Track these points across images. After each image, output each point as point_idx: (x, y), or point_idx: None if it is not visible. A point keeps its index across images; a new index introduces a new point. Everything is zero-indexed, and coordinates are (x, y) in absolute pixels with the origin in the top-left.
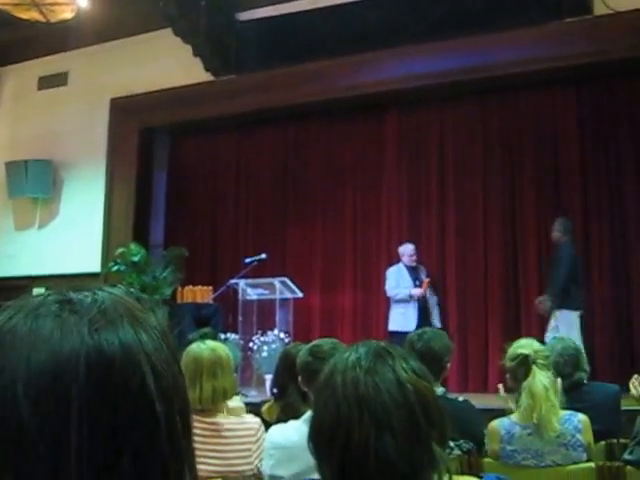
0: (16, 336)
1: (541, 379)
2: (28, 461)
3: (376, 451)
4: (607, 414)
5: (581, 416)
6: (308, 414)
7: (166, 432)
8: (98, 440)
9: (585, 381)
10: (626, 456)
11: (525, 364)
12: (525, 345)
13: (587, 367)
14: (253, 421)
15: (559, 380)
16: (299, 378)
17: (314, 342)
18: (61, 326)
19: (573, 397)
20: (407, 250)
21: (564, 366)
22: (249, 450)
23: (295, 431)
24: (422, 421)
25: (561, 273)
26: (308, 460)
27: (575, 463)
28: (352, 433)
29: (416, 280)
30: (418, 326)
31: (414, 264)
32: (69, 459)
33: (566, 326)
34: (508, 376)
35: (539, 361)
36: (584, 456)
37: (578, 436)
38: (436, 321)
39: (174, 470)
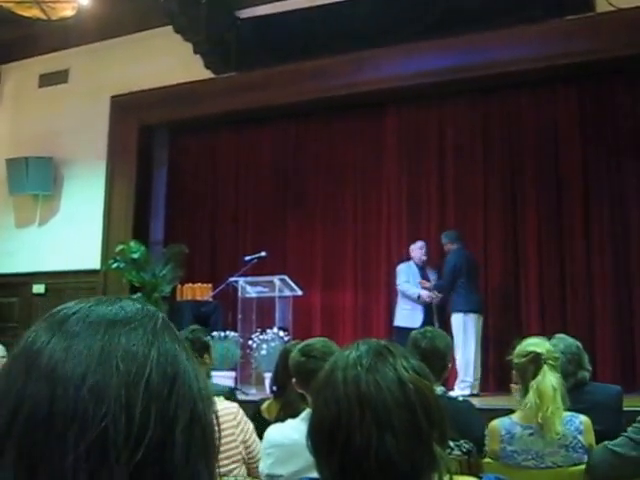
0: (90, 333)
1: (551, 379)
2: (106, 440)
3: (377, 451)
4: (609, 415)
5: (583, 418)
6: (306, 412)
7: (201, 426)
8: (156, 421)
9: (587, 380)
10: (612, 446)
11: (536, 362)
12: (538, 343)
13: (589, 366)
14: (230, 405)
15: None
16: (293, 379)
17: (305, 342)
18: (130, 332)
19: (575, 397)
20: (417, 247)
21: (567, 364)
22: (233, 434)
23: (293, 429)
24: (423, 421)
25: (444, 279)
26: (307, 458)
27: (575, 465)
28: (353, 432)
29: (424, 278)
30: (424, 323)
31: (424, 260)
32: (131, 432)
33: (456, 329)
34: (514, 373)
35: (550, 362)
36: (585, 458)
37: (579, 438)
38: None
39: (215, 459)
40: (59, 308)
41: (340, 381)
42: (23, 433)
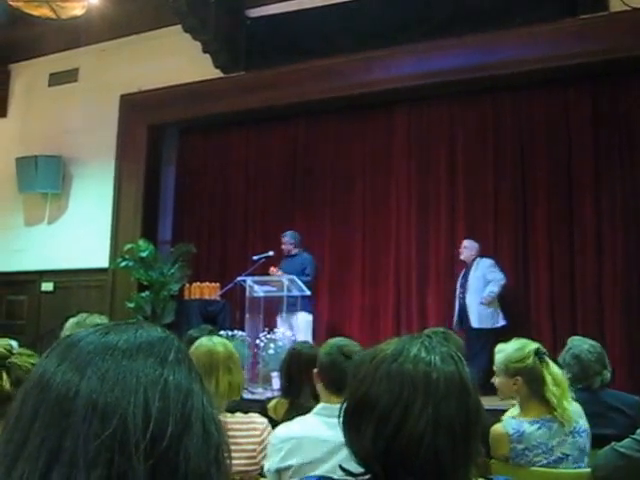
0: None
1: (556, 368)
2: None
3: (429, 444)
4: (626, 420)
5: (575, 403)
6: (320, 407)
7: (214, 440)
8: (173, 423)
9: (609, 381)
10: (618, 447)
11: (540, 357)
12: (527, 342)
13: (610, 367)
14: (259, 421)
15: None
16: (317, 372)
17: (338, 340)
18: (145, 359)
19: (598, 397)
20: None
21: (595, 364)
22: (254, 451)
23: (303, 423)
24: (473, 427)
25: (311, 277)
26: (315, 451)
27: (581, 450)
28: (409, 419)
29: (463, 278)
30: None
31: (462, 259)
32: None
33: (305, 327)
34: (521, 379)
35: (547, 354)
36: (588, 443)
37: (581, 422)
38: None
39: (226, 472)
40: (69, 335)
41: (410, 367)
42: (46, 424)
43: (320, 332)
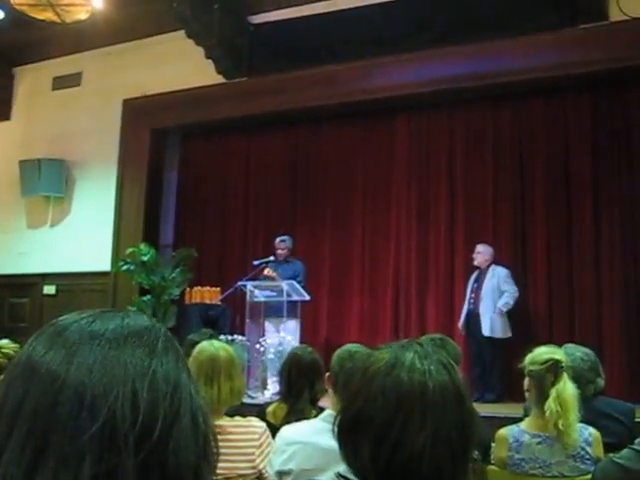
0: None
1: (571, 387)
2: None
3: (430, 459)
4: (620, 427)
5: (592, 430)
6: (327, 413)
7: (202, 432)
8: (163, 414)
9: (602, 389)
10: (617, 459)
11: (555, 370)
12: (554, 351)
13: (603, 375)
14: (258, 425)
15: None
16: (328, 376)
17: (351, 346)
18: (133, 348)
19: (590, 406)
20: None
21: (588, 372)
22: (252, 454)
23: (309, 428)
24: (470, 438)
25: (303, 282)
26: (317, 460)
27: (582, 475)
28: (408, 435)
29: (475, 282)
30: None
31: (475, 264)
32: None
33: (292, 333)
34: (527, 381)
35: (569, 370)
36: (591, 469)
37: (588, 449)
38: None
39: (214, 468)
40: (58, 319)
41: (405, 381)
42: (31, 417)
43: (319, 338)
